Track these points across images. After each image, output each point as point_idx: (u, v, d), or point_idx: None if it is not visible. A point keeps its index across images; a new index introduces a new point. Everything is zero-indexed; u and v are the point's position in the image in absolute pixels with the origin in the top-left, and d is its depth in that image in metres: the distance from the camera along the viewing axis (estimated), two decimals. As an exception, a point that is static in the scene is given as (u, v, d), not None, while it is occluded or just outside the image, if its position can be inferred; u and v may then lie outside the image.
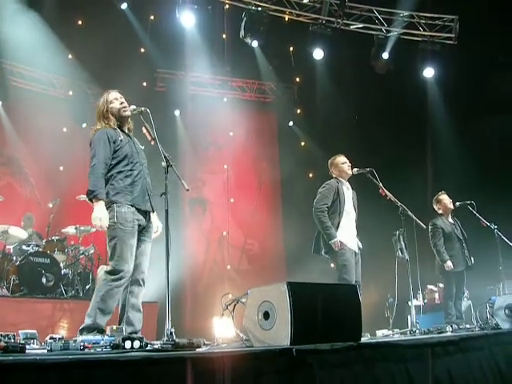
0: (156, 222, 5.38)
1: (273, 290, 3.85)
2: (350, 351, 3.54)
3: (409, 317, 7.76)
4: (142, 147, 5.45)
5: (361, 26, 12.21)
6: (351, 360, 3.51)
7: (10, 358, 2.75)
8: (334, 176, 7.52)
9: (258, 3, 11.61)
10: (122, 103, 5.37)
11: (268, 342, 3.77)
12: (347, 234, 7.17)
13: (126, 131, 5.45)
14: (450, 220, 9.18)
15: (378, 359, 3.68)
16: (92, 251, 9.99)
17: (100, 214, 4.93)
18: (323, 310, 3.80)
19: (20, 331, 4.10)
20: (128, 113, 5.36)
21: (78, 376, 2.42)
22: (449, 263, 8.73)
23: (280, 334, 3.68)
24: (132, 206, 5.08)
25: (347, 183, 7.51)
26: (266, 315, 3.86)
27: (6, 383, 2.25)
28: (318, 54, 12.15)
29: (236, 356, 2.99)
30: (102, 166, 5.05)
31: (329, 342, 3.51)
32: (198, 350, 3.77)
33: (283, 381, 3.11)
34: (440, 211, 9.19)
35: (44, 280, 8.83)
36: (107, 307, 4.87)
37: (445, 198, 9.22)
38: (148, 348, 3.77)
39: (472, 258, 9.07)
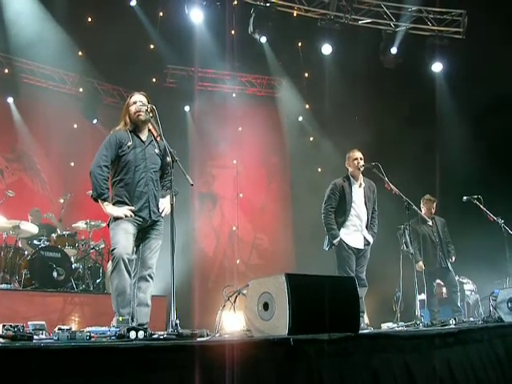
0: (164, 202, 5.49)
1: (272, 281, 3.93)
2: (348, 341, 3.61)
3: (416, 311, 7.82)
4: (156, 151, 5.54)
5: (369, 20, 12.22)
6: (349, 350, 3.57)
7: (17, 344, 2.85)
8: (349, 170, 7.70)
9: (267, -1, 11.66)
10: (137, 108, 5.46)
11: (267, 332, 3.85)
12: (351, 231, 7.49)
13: (145, 134, 5.55)
14: (429, 222, 9.35)
15: (376, 350, 3.74)
16: (102, 246, 10.10)
17: (112, 212, 5.25)
18: (321, 301, 3.86)
19: (29, 322, 4.19)
20: (142, 118, 5.45)
21: (81, 362, 2.51)
22: (420, 263, 8.98)
23: (279, 324, 3.76)
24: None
25: (360, 179, 7.63)
26: (266, 306, 3.93)
27: (13, 368, 2.34)
28: (327, 49, 12.20)
29: (235, 345, 3.05)
30: (97, 169, 5.27)
31: (327, 333, 3.58)
32: (199, 339, 3.86)
33: (281, 370, 3.17)
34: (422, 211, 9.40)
35: (55, 274, 8.95)
36: (119, 289, 5.06)
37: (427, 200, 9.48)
38: (152, 338, 3.86)
39: (452, 257, 9.28)
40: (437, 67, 12.32)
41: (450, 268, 9.30)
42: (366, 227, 7.57)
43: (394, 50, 12.21)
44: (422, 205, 9.51)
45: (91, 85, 13.50)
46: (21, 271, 8.92)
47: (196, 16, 11.31)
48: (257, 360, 3.12)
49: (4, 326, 3.67)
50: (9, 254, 9.21)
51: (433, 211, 9.49)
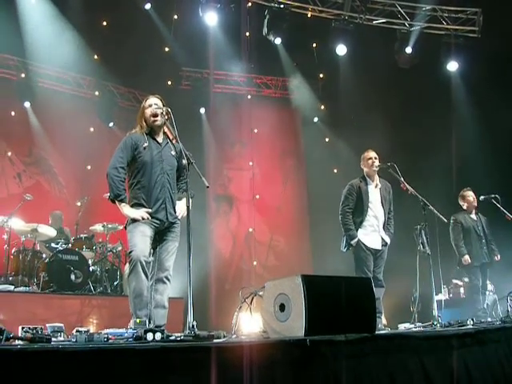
0: (180, 205, 5.50)
1: (288, 282, 3.94)
2: (364, 342, 3.61)
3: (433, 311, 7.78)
4: (173, 153, 5.57)
5: (383, 20, 12.19)
6: (365, 351, 3.58)
7: (35, 346, 2.88)
8: (364, 170, 7.69)
9: (281, 0, 11.64)
10: (152, 111, 5.50)
11: (284, 333, 3.85)
12: (369, 232, 7.47)
13: (161, 137, 5.59)
14: (473, 216, 9.28)
15: (393, 350, 3.74)
16: (119, 248, 10.13)
17: (129, 214, 5.28)
18: (337, 302, 3.87)
19: (47, 324, 4.22)
20: (158, 123, 5.49)
21: (99, 363, 2.53)
22: (466, 257, 8.91)
23: (295, 326, 3.76)
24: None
25: (376, 179, 7.62)
26: (282, 307, 3.95)
27: (32, 370, 2.38)
28: (341, 49, 12.16)
29: (251, 346, 3.07)
30: (113, 171, 5.31)
31: (343, 334, 3.58)
32: (215, 340, 3.88)
33: (298, 370, 3.19)
34: (464, 207, 9.33)
35: (73, 277, 9.01)
36: (136, 291, 5.09)
37: (469, 194, 9.34)
38: (169, 339, 3.88)
39: (497, 255, 9.17)
40: (452, 66, 12.24)
41: (489, 267, 9.22)
42: (383, 228, 7.55)
43: (408, 50, 12.15)
44: (461, 200, 9.43)
45: (107, 88, 13.57)
46: (39, 274, 8.99)
47: (210, 18, 11.34)
48: (273, 361, 3.14)
49: (23, 328, 3.71)
50: (27, 257, 9.28)
51: (475, 204, 9.33)
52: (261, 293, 4.28)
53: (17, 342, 3.40)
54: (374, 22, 12.22)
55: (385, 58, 12.47)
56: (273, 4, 11.58)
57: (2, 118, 12.33)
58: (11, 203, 10.18)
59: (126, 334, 4.02)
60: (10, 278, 9.02)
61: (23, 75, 12.44)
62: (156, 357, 2.79)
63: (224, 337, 4.14)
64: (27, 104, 12.53)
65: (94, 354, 2.58)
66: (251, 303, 4.44)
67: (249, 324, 5.13)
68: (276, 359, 3.13)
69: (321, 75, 14.78)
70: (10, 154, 12.50)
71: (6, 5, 10.69)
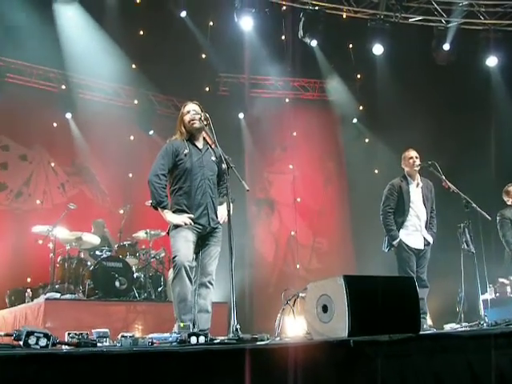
0: (221, 210, 5.52)
1: (330, 283, 3.93)
2: (408, 342, 3.57)
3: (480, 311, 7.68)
4: (213, 159, 5.60)
5: (420, 18, 12.09)
6: (410, 351, 3.53)
7: (80, 350, 2.93)
8: (405, 170, 7.62)
9: (315, 2, 11.64)
10: (191, 117, 5.54)
11: (327, 334, 3.85)
12: (411, 232, 7.43)
13: (201, 142, 5.63)
14: None
15: (438, 350, 3.69)
16: (163, 254, 10.18)
17: (172, 220, 5.33)
18: (380, 302, 3.84)
19: (93, 330, 4.28)
20: (196, 126, 5.53)
21: (143, 366, 2.56)
22: None
23: (338, 327, 3.75)
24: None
25: (417, 178, 7.56)
26: (325, 308, 3.94)
27: (78, 372, 2.42)
28: (378, 49, 12.09)
29: (294, 348, 3.07)
30: (155, 178, 5.37)
31: (387, 334, 3.55)
32: (259, 343, 3.89)
33: (342, 372, 3.17)
34: (509, 202, 9.16)
35: (117, 283, 9.09)
36: (180, 296, 5.15)
37: None
38: (212, 342, 3.90)
39: None
40: (491, 61, 12.07)
41: None
42: (425, 227, 7.48)
43: (446, 47, 12.00)
44: (505, 196, 9.23)
45: (146, 96, 13.70)
46: (84, 281, 9.12)
47: (246, 23, 11.38)
48: (317, 362, 3.13)
49: (69, 333, 3.78)
50: (72, 265, 9.42)
51: None
52: (303, 294, 4.28)
53: (63, 347, 3.47)
54: (410, 20, 12.12)
55: (422, 56, 12.36)
56: (307, 6, 11.57)
57: (45, 129, 12.58)
58: (56, 213, 10.37)
59: (170, 339, 4.07)
60: (57, 286, 9.15)
61: (64, 87, 12.68)
62: (199, 359, 2.81)
63: (267, 339, 4.14)
64: (68, 115, 12.74)
65: (137, 357, 2.61)
66: (294, 305, 4.44)
67: (292, 326, 5.13)
68: (319, 361, 3.12)
69: (358, 76, 14.69)
70: (53, 164, 12.73)
71: (44, 19, 10.90)
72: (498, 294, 10.42)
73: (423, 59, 12.34)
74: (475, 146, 11.67)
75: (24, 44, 10.90)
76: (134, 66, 12.79)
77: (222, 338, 4.40)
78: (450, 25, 11.98)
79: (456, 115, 12.08)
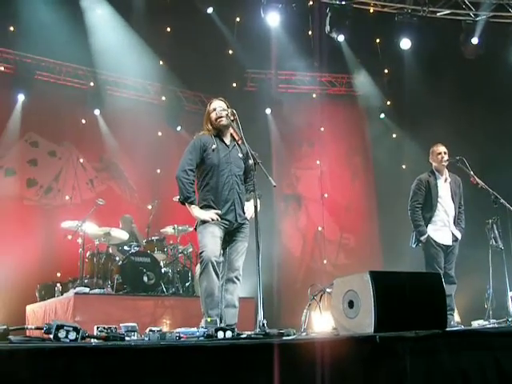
0: (248, 206, 5.54)
1: (356, 279, 3.93)
2: (435, 339, 3.56)
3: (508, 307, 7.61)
4: (240, 155, 5.63)
5: (448, 12, 11.94)
6: (436, 348, 3.52)
7: (109, 344, 2.97)
8: (433, 165, 7.58)
9: (342, -3, 11.59)
10: (218, 114, 5.56)
11: (353, 329, 3.85)
12: (439, 227, 7.37)
13: (228, 138, 5.66)
14: None
15: (465, 347, 3.66)
16: (190, 250, 10.24)
17: (199, 215, 5.37)
18: (407, 298, 3.83)
19: (121, 324, 4.33)
20: (223, 122, 5.55)
21: (170, 360, 2.59)
22: None
23: (364, 322, 3.76)
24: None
25: (445, 174, 7.51)
26: (351, 304, 3.95)
27: (106, 366, 2.46)
28: (406, 43, 12.00)
29: (320, 343, 3.08)
30: (183, 174, 5.40)
31: (413, 330, 3.54)
32: (285, 338, 3.91)
33: (368, 367, 3.17)
34: None
35: (145, 278, 9.16)
36: (207, 291, 5.18)
37: None
38: (239, 337, 3.93)
39: None
40: (522, 54, 11.93)
41: None
42: (454, 223, 7.43)
43: (475, 40, 11.84)
44: None
45: (173, 93, 13.80)
46: (113, 276, 9.20)
47: (272, 19, 11.36)
48: (343, 358, 3.14)
49: (98, 327, 3.83)
50: (101, 260, 9.52)
51: None
52: (329, 290, 4.28)
53: (92, 340, 3.52)
54: (438, 14, 11.98)
55: (450, 50, 12.24)
56: (334, 1, 11.51)
57: (74, 126, 12.73)
58: (84, 208, 10.45)
59: (197, 333, 4.10)
60: (86, 281, 9.26)
61: (92, 84, 12.84)
62: (226, 354, 2.84)
63: (294, 334, 4.16)
64: (97, 111, 12.87)
65: (165, 351, 2.65)
66: (320, 301, 4.45)
67: (319, 322, 5.14)
68: (346, 356, 3.13)
69: (385, 70, 14.56)
70: (82, 160, 12.87)
71: (72, 17, 11.04)
72: (527, 291, 10.31)
73: (451, 53, 12.22)
74: (504, 141, 11.52)
75: (53, 41, 11.02)
76: (161, 62, 12.87)
77: (249, 332, 4.42)
78: (478, 18, 11.83)
79: (485, 109, 11.94)
